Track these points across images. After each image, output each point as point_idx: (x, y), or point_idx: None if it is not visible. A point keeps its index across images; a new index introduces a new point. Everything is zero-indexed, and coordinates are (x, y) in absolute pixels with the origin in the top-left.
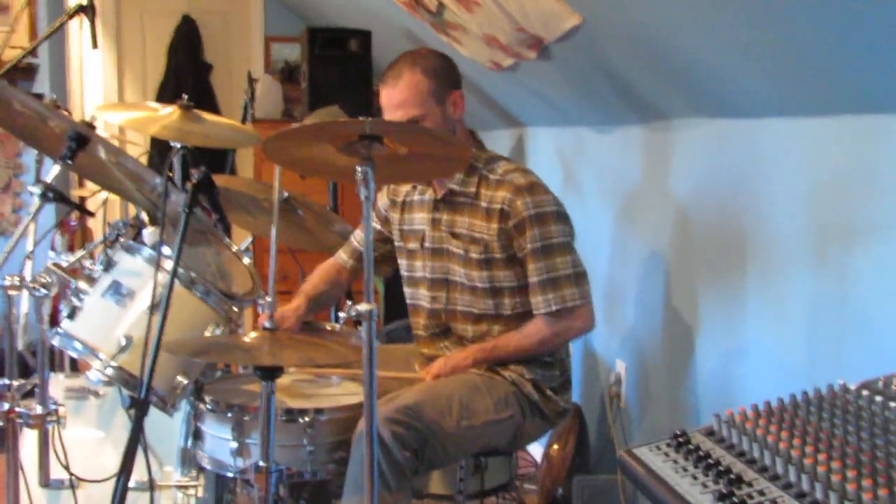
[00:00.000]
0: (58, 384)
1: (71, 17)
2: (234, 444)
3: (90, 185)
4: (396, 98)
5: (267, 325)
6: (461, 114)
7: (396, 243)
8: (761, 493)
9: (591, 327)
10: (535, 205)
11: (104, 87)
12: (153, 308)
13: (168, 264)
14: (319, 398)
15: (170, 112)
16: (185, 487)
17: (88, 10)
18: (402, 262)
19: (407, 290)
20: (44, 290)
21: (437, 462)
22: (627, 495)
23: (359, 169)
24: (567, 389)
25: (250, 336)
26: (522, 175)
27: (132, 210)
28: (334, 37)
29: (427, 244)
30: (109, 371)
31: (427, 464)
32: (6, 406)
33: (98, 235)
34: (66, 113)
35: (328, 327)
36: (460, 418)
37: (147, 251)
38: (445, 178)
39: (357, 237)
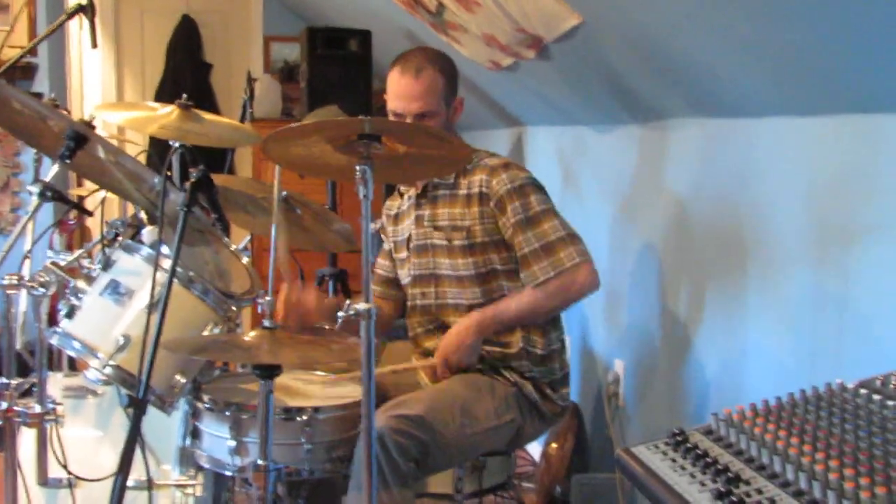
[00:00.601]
0: (56, 383)
1: (70, 16)
2: (232, 443)
3: (89, 184)
4: (417, 89)
5: (266, 323)
6: (458, 119)
7: (394, 255)
8: (759, 491)
9: (596, 285)
10: (511, 179)
11: (103, 87)
12: (151, 307)
13: (166, 263)
14: (317, 397)
15: (169, 111)
16: (184, 486)
17: (88, 10)
18: (400, 273)
19: (408, 294)
20: (42, 290)
21: (439, 468)
22: (626, 494)
23: (357, 168)
24: (566, 385)
25: (249, 335)
26: (496, 157)
27: (131, 209)
28: (334, 36)
29: (413, 243)
30: (108, 370)
31: (428, 471)
32: (4, 405)
33: (96, 234)
34: (64, 112)
35: (327, 327)
36: (462, 426)
37: (145, 250)
38: (442, 177)
39: (379, 265)
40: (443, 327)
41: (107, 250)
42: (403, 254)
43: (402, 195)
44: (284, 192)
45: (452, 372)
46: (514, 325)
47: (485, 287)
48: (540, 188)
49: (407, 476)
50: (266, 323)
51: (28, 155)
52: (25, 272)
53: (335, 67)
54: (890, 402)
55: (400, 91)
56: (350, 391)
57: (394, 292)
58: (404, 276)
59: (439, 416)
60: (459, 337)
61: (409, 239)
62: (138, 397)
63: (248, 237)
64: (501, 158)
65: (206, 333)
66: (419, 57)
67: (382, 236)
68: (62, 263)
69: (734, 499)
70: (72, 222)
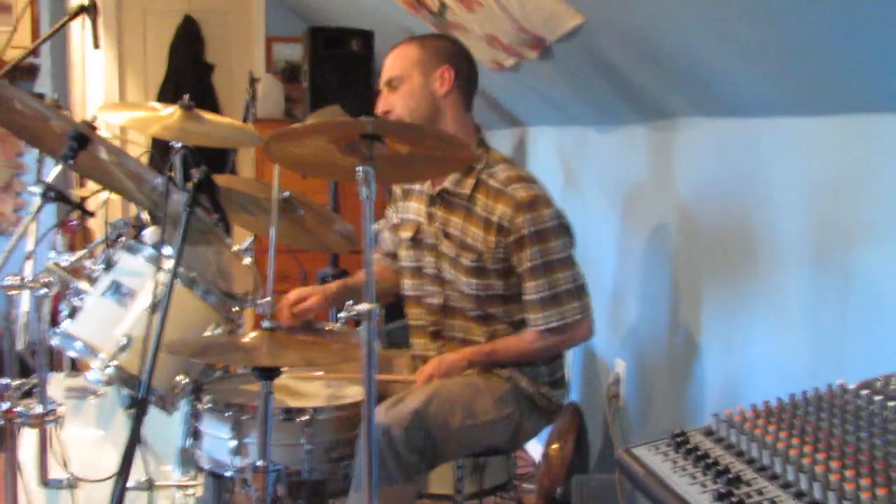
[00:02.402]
0: (57, 383)
1: (73, 17)
2: (233, 444)
3: (91, 185)
4: (388, 62)
5: (266, 325)
6: (447, 91)
7: (398, 230)
8: (760, 492)
9: (590, 338)
10: (535, 221)
11: (105, 87)
12: (153, 308)
13: (168, 264)
14: (318, 397)
15: (171, 112)
16: (184, 487)
17: (90, 10)
18: (400, 253)
19: (403, 281)
20: (44, 290)
21: (440, 461)
22: (626, 495)
23: (359, 168)
24: (561, 386)
25: (249, 336)
26: (524, 188)
27: (133, 210)
28: (336, 37)
29: (422, 237)
30: (109, 371)
31: (430, 464)
32: (6, 405)
33: (99, 235)
34: (67, 113)
35: (328, 327)
36: (464, 418)
37: (148, 251)
38: (456, 174)
39: (384, 238)
40: (440, 336)
41: (109, 251)
42: (408, 234)
43: None
44: (287, 193)
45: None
46: (505, 365)
47: (485, 306)
48: (563, 231)
49: (411, 468)
50: (266, 324)
51: (30, 155)
52: (28, 273)
53: (337, 68)
54: (891, 403)
55: None
56: (350, 392)
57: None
58: (407, 259)
59: (441, 409)
60: (451, 366)
61: (417, 228)
62: (139, 398)
63: (251, 238)
64: (530, 190)
65: (207, 334)
66: (407, 38)
67: (391, 209)
68: (64, 264)
69: (735, 500)
70: (74, 223)
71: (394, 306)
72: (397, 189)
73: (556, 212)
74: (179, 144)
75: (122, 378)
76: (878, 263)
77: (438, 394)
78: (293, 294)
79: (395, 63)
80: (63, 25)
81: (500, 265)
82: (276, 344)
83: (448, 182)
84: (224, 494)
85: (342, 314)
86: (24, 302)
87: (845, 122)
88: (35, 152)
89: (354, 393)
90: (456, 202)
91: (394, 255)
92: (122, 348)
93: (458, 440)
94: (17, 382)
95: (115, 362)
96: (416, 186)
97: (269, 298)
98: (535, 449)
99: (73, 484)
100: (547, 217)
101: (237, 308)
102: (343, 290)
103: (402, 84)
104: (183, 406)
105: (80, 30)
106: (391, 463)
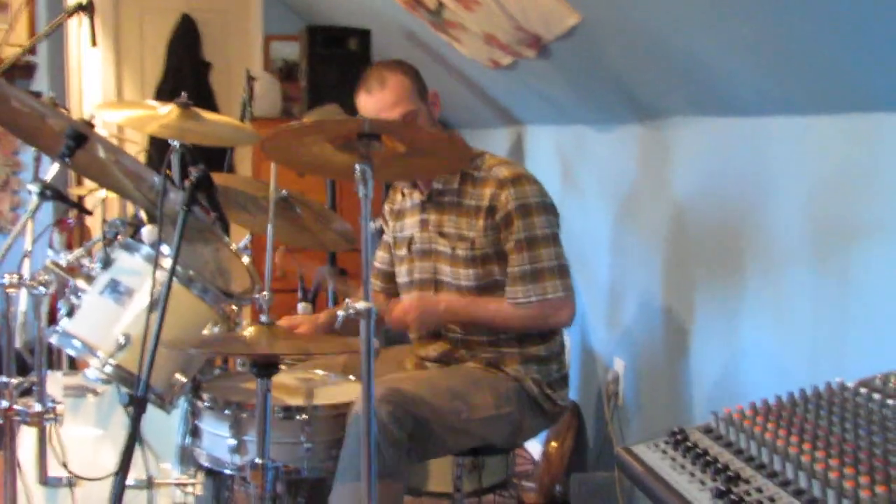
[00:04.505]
0: (56, 382)
1: (70, 15)
2: (233, 442)
3: (88, 184)
4: (389, 99)
5: (264, 319)
6: (439, 112)
7: (393, 251)
8: (759, 490)
9: (571, 321)
10: (519, 196)
11: (103, 86)
12: (151, 306)
13: (166, 262)
14: (317, 395)
15: (168, 110)
16: (184, 485)
17: (88, 8)
18: (397, 270)
19: (403, 297)
20: (42, 289)
21: (432, 451)
22: (625, 493)
23: (357, 167)
24: (564, 386)
25: (247, 331)
26: (506, 167)
27: (130, 208)
28: (334, 35)
29: (416, 246)
30: (108, 369)
31: (422, 450)
32: (4, 404)
33: (96, 234)
34: (64, 111)
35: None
36: (460, 410)
37: (145, 249)
38: (445, 175)
39: (378, 258)
40: (437, 335)
41: (107, 249)
42: (403, 251)
43: (403, 195)
44: (284, 192)
45: (397, 325)
46: (481, 327)
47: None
48: (547, 208)
49: (401, 447)
50: (263, 319)
51: (28, 154)
52: (25, 271)
53: (335, 66)
54: (890, 401)
55: (375, 108)
56: (350, 390)
57: (393, 286)
58: (402, 274)
59: (436, 398)
60: (430, 306)
61: (411, 240)
62: (138, 396)
63: (248, 236)
64: (512, 169)
65: (205, 332)
66: (378, 71)
67: (384, 228)
68: (62, 263)
69: (734, 497)
70: (71, 221)
71: None
72: (387, 211)
73: (540, 189)
74: (177, 143)
75: (121, 376)
76: (877, 262)
77: (434, 384)
78: (285, 320)
79: (399, 99)
80: (60, 23)
81: (493, 248)
82: (274, 337)
83: (437, 183)
84: (223, 492)
85: (340, 313)
86: (22, 300)
87: (845, 121)
88: (32, 150)
89: (354, 390)
90: (446, 201)
91: (387, 275)
92: (121, 347)
93: (451, 431)
94: (15, 381)
95: (113, 361)
96: (407, 203)
97: (266, 293)
98: (534, 447)
99: (72, 482)
100: (530, 193)
101: (235, 306)
102: (331, 318)
103: (418, 117)
104: (182, 404)
105: (77, 28)
106: (380, 441)
